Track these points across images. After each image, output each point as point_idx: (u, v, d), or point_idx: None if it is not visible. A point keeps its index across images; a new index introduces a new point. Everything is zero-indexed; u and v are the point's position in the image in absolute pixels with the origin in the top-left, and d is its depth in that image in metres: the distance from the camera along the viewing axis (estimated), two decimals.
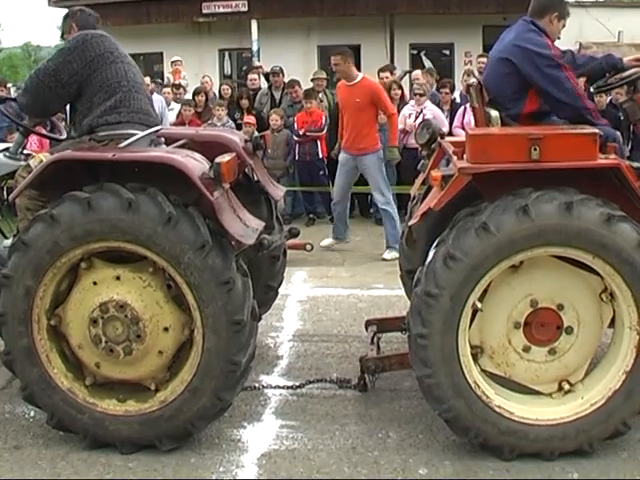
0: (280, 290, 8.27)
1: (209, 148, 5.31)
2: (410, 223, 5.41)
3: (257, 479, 4.72)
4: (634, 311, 4.73)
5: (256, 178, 6.01)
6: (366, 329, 6.36)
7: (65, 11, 26.44)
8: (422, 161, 6.05)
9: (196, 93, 14.24)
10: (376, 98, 10.40)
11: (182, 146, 5.48)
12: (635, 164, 4.95)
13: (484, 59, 14.46)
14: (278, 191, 6.22)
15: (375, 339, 6.14)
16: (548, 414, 4.86)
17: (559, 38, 5.67)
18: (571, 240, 4.61)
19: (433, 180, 4.96)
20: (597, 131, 4.78)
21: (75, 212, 4.72)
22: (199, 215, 4.73)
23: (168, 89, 14.86)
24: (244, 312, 4.79)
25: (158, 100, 13.85)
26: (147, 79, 13.79)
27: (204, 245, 4.65)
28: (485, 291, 4.82)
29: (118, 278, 4.89)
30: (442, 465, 4.83)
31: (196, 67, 19.92)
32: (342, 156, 10.81)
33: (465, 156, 4.88)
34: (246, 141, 5.87)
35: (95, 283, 4.91)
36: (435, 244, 4.85)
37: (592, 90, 6.09)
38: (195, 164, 4.80)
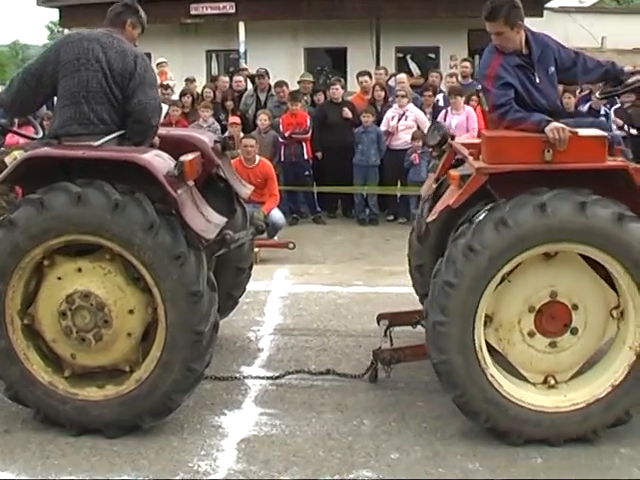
0: (262, 286, 8.59)
1: (179, 147, 5.55)
2: (428, 220, 5.61)
3: (236, 461, 4.95)
4: None
5: (224, 177, 6.24)
6: (378, 323, 6.58)
7: (53, 11, 26.14)
8: (433, 162, 6.30)
9: (183, 94, 14.44)
10: None
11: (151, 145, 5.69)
12: None
13: (467, 63, 14.79)
14: (246, 189, 6.50)
15: (388, 332, 6.34)
16: (532, 399, 5.11)
17: None
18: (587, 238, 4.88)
19: (452, 179, 5.21)
20: (606, 134, 5.08)
21: (30, 213, 4.99)
22: (145, 198, 4.97)
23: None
24: (200, 283, 5.01)
25: None
26: None
27: (152, 225, 4.90)
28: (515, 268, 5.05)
29: (80, 270, 5.15)
30: (413, 450, 5.06)
31: (183, 68, 20.06)
32: None
33: (481, 157, 5.17)
34: (215, 141, 6.15)
35: (59, 278, 5.17)
36: (456, 235, 5.09)
37: (598, 96, 6.30)
38: (160, 162, 5.07)
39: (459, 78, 14.29)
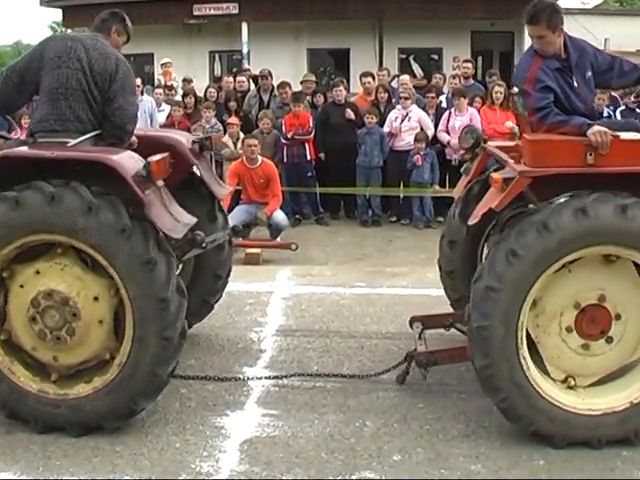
0: (265, 287, 8.59)
1: (155, 148, 5.57)
2: (469, 223, 5.55)
3: (238, 463, 4.95)
4: None
5: (202, 177, 6.29)
6: (411, 326, 6.51)
7: (56, 11, 26.20)
8: (465, 165, 6.31)
9: (185, 95, 14.45)
10: None
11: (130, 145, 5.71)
12: None
13: (469, 64, 14.80)
14: (223, 190, 6.57)
15: (422, 335, 6.27)
16: (553, 392, 5.10)
17: None
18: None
19: (494, 182, 5.19)
20: None
21: None
22: (80, 185, 4.99)
23: (160, 90, 15.07)
24: (151, 252, 5.00)
25: (148, 101, 14.07)
26: (137, 80, 13.98)
27: (90, 206, 4.92)
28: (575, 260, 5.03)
29: (38, 272, 5.18)
30: (415, 452, 5.06)
31: (186, 68, 20.10)
32: None
33: (522, 160, 5.17)
34: (193, 142, 6.21)
35: (22, 286, 5.21)
36: (497, 239, 5.13)
37: (633, 99, 6.29)
38: (130, 163, 5.08)
39: (461, 79, 14.28)
